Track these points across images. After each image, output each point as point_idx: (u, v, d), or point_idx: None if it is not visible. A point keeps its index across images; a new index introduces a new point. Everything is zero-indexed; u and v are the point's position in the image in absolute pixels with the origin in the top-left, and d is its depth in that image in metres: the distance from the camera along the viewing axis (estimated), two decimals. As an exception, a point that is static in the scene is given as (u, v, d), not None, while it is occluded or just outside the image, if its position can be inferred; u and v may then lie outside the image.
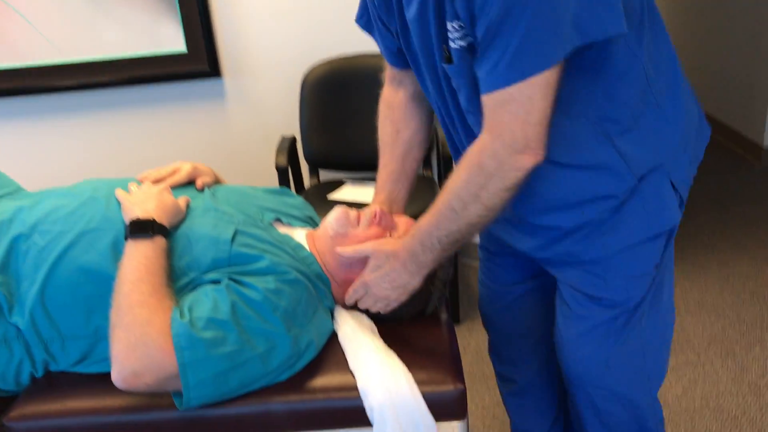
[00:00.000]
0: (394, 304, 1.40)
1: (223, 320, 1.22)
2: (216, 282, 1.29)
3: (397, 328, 1.44)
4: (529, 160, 1.12)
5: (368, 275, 1.39)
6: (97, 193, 1.43)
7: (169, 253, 1.31)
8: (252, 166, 3.14)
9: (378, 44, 1.44)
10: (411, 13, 1.21)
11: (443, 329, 1.45)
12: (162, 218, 1.33)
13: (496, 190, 1.15)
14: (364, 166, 3.05)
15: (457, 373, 1.32)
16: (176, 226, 1.37)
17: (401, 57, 1.41)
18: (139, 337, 1.18)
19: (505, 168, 1.13)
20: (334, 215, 1.47)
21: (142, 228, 1.29)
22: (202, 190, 1.53)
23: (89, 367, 1.33)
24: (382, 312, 1.42)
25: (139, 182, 1.50)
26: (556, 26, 1.03)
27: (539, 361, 1.66)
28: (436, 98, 1.32)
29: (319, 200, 2.78)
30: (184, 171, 1.53)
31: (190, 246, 1.33)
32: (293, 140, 2.92)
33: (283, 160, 2.71)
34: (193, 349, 1.18)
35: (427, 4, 1.16)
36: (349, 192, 2.82)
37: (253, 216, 1.46)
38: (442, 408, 1.29)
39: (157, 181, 1.50)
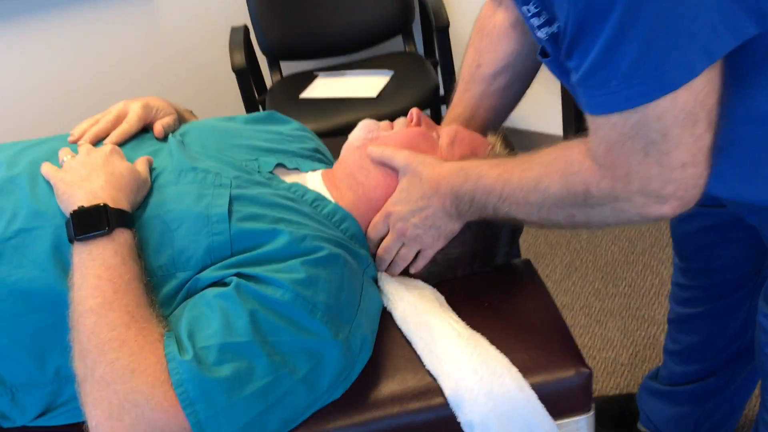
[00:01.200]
0: (429, 253, 1.02)
1: (242, 343, 0.82)
2: (219, 283, 0.88)
3: (465, 292, 1.05)
4: (671, 209, 0.76)
5: (392, 205, 1.01)
6: (14, 171, 0.97)
7: (140, 249, 0.88)
8: (200, 71, 2.62)
9: None
10: None
11: (532, 286, 1.08)
12: (119, 199, 0.89)
13: (599, 223, 0.83)
14: (335, 50, 2.57)
15: (573, 350, 0.96)
16: (142, 205, 0.94)
17: None
18: (125, 395, 0.77)
19: (628, 212, 0.79)
20: (359, 125, 1.10)
21: (90, 221, 0.85)
22: (164, 138, 1.08)
23: (57, 419, 0.93)
24: (414, 268, 1.04)
25: (72, 144, 1.04)
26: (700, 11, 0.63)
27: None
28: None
29: (290, 101, 2.31)
30: (133, 115, 1.07)
31: (170, 233, 0.90)
32: (246, 31, 2.40)
33: (241, 59, 2.22)
34: (207, 399, 0.78)
35: None
36: (325, 86, 2.35)
37: (246, 166, 1.03)
38: (561, 403, 0.93)
39: (97, 139, 1.04)
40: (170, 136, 1.07)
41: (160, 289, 0.88)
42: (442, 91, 2.27)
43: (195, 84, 2.63)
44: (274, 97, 2.38)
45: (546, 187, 0.83)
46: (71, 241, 0.85)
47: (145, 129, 1.09)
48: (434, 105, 2.27)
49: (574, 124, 2.57)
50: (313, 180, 1.08)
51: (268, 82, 2.58)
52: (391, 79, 2.30)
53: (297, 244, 0.91)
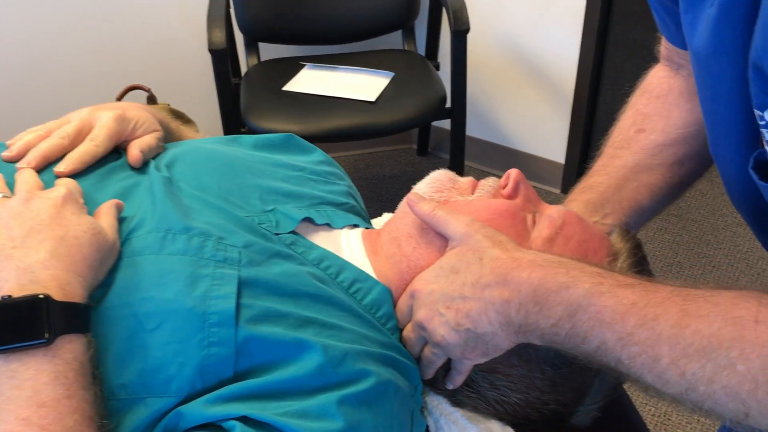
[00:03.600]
0: (463, 366, 0.69)
1: None
2: (213, 426, 0.57)
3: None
4: None
5: (423, 281, 0.70)
6: None
7: (95, 360, 0.57)
8: (166, 51, 2.25)
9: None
10: (697, 40, 0.62)
11: (623, 417, 0.80)
12: (70, 284, 0.56)
13: None
14: (323, 37, 2.24)
15: None
16: (104, 283, 0.61)
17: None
18: None
19: None
20: (429, 178, 0.78)
21: (20, 324, 0.52)
22: (143, 166, 0.75)
23: None
24: (450, 382, 0.72)
25: (8, 165, 0.70)
26: None
27: None
28: (734, 180, 0.68)
29: (270, 92, 1.99)
30: (102, 130, 0.73)
31: (143, 335, 0.58)
32: (227, 3, 2.05)
33: (221, 36, 1.87)
34: None
35: (721, 49, 0.59)
36: (313, 80, 2.03)
37: (260, 224, 0.72)
38: None
39: (46, 161, 0.70)
40: (152, 164, 0.74)
41: (122, 422, 0.56)
42: (448, 103, 1.98)
43: (156, 57, 2.27)
44: (250, 84, 2.04)
45: (728, 361, 0.53)
46: (-15, 348, 0.53)
47: (116, 150, 0.76)
48: (440, 118, 1.98)
49: (579, 155, 2.34)
50: (351, 243, 0.77)
51: (243, 65, 2.24)
52: (391, 81, 2.00)
53: (333, 369, 0.60)
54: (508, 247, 0.66)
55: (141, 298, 0.59)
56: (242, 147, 0.84)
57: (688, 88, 0.82)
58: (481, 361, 0.68)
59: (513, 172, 0.75)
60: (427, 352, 0.70)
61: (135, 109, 0.77)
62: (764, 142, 0.55)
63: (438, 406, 0.75)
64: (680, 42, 0.79)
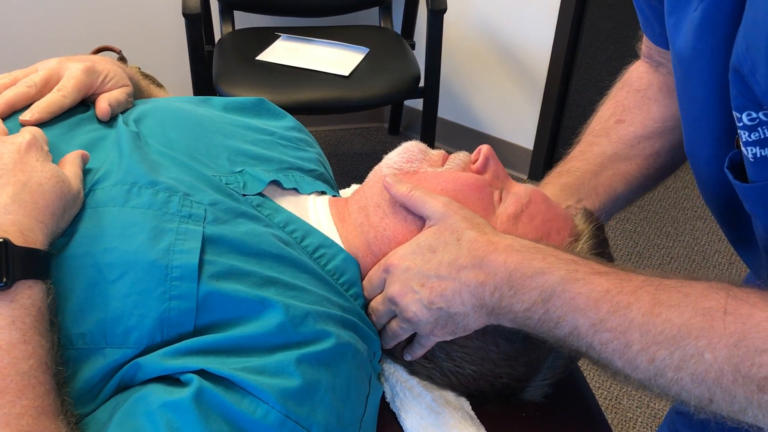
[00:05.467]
0: (428, 342, 0.71)
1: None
2: (170, 379, 0.57)
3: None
4: None
5: (398, 256, 0.70)
6: None
7: (54, 308, 0.56)
8: (139, 14, 2.22)
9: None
10: (680, 43, 0.63)
11: (574, 389, 0.82)
12: (30, 230, 0.56)
13: (748, 421, 0.55)
14: (300, 9, 2.23)
15: None
16: (66, 232, 0.61)
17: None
18: None
19: None
20: (400, 148, 0.78)
21: None
22: (111, 120, 0.75)
23: None
24: (409, 354, 0.73)
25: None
26: None
27: None
28: (708, 178, 0.69)
29: (243, 60, 1.97)
30: (70, 81, 0.72)
31: (104, 285, 0.58)
32: (203, -32, 2.03)
33: (195, 1, 1.84)
34: None
35: (703, 52, 0.60)
36: (287, 52, 2.01)
37: (227, 184, 0.72)
38: None
39: (12, 109, 0.69)
40: (120, 119, 0.74)
41: (78, 371, 0.56)
42: (422, 82, 1.98)
43: (128, 19, 2.23)
44: (224, 52, 2.02)
45: (696, 350, 0.55)
46: (-59, 291, 0.52)
47: (84, 103, 0.75)
48: (413, 97, 1.98)
49: (548, 143, 2.36)
50: (318, 209, 0.77)
51: (217, 33, 2.22)
52: (366, 57, 1.99)
53: (294, 328, 0.61)
54: (486, 230, 0.67)
55: (103, 248, 0.59)
56: (212, 108, 0.84)
57: (668, 85, 0.84)
58: (448, 338, 0.69)
59: (484, 148, 0.76)
60: (395, 325, 0.71)
61: (105, 62, 0.77)
62: (740, 143, 0.57)
63: (394, 373, 0.77)
64: (663, 42, 0.80)
